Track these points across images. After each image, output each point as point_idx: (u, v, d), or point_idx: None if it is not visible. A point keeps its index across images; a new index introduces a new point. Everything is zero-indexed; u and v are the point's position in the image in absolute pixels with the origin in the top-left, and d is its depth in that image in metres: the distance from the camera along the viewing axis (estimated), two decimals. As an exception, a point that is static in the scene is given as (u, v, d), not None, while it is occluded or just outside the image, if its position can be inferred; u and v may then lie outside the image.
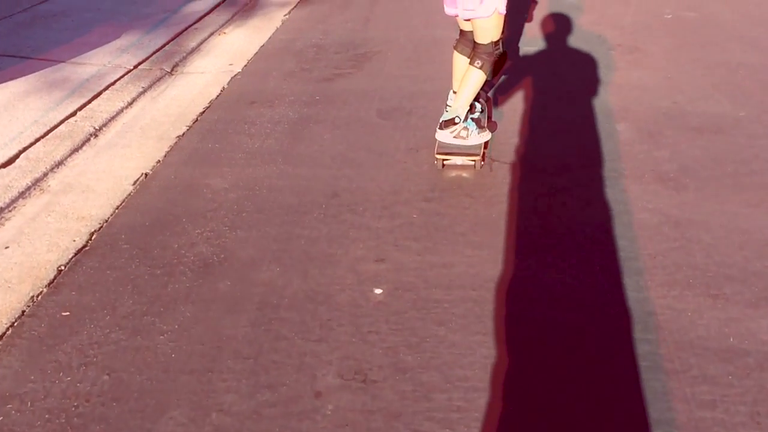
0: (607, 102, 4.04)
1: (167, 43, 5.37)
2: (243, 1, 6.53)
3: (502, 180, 3.30)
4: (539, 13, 5.67)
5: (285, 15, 6.10)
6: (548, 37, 5.19)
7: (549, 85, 4.33)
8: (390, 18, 5.90)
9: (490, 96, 3.73)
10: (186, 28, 5.70)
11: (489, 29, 3.06)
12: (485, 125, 3.44)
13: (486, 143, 3.43)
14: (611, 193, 3.12)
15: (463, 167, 3.42)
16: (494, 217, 3.00)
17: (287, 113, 4.13)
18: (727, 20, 5.35)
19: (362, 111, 4.13)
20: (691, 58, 4.65)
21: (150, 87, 4.64)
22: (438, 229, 2.94)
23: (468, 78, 3.20)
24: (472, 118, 3.36)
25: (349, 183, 3.34)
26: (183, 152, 3.71)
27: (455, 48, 3.41)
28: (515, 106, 4.06)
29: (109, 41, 5.31)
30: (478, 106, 3.45)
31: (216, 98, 4.41)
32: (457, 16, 3.18)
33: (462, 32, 3.35)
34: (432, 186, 3.28)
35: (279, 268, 2.74)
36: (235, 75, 4.78)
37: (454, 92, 3.42)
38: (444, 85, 4.36)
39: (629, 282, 2.56)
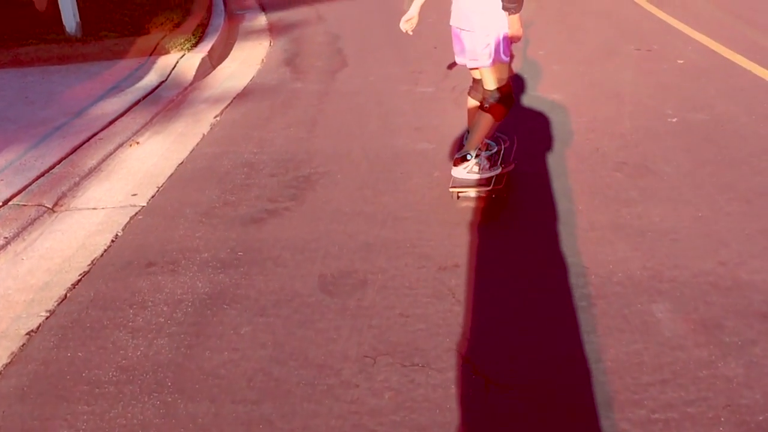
0: (630, 264, 2.89)
1: (58, 162, 4.11)
2: (168, 97, 5.32)
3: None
4: (521, 114, 4.58)
5: (216, 116, 4.90)
6: (533, 150, 4.07)
7: (542, 241, 3.18)
8: (341, 121, 4.74)
9: (507, 138, 3.66)
10: (88, 139, 4.45)
11: (494, 76, 3.26)
12: (498, 163, 3.48)
13: (504, 175, 3.49)
14: (679, 463, 1.92)
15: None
16: None
17: (195, 284, 2.88)
18: (745, 125, 4.32)
19: (299, 278, 2.90)
20: (719, 184, 3.56)
21: (17, 236, 3.35)
22: None
23: (479, 120, 3.38)
24: (485, 156, 3.44)
25: (270, 438, 2.08)
26: (26, 369, 2.41)
27: (469, 94, 3.57)
28: (499, 297, 2.89)
29: (-20, 163, 4.02)
30: (494, 145, 3.53)
31: (102, 255, 3.14)
32: (467, 65, 3.38)
33: (474, 80, 3.50)
34: (398, 441, 2.05)
35: None
36: (136, 213, 3.52)
37: (469, 132, 3.52)
38: (414, 227, 3.22)
39: None
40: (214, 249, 3.15)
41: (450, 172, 3.50)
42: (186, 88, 5.57)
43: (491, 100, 3.30)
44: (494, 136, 3.54)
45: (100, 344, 2.52)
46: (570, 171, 3.79)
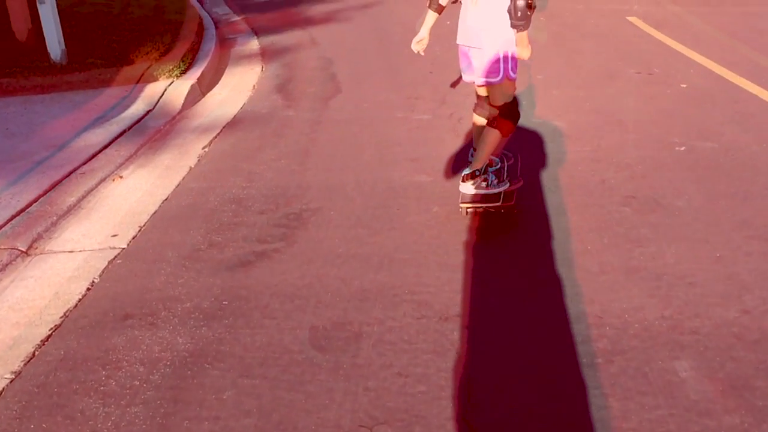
0: (647, 313, 2.66)
1: (35, 200, 3.87)
2: (155, 127, 5.10)
3: None
4: (523, 144, 4.37)
5: (204, 147, 4.68)
6: (537, 182, 3.86)
7: (552, 287, 2.95)
8: (335, 151, 4.52)
9: (512, 155, 3.69)
10: (69, 174, 4.21)
11: (502, 93, 3.31)
12: (505, 178, 3.48)
13: (513, 193, 3.47)
14: None
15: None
16: None
17: (174, 340, 2.63)
18: (757, 155, 4.11)
19: (288, 332, 2.66)
20: (735, 220, 3.35)
21: (-15, 284, 3.10)
22: None
23: (486, 136, 3.38)
24: (492, 171, 3.44)
25: None
26: (-17, 445, 2.16)
27: (474, 111, 3.56)
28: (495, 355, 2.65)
29: (-48, 202, 3.78)
30: (498, 161, 3.52)
31: (76, 306, 2.90)
32: (474, 82, 3.41)
33: (479, 97, 3.51)
34: None
35: None
36: (115, 257, 3.28)
37: (474, 149, 3.54)
38: (412, 270, 2.99)
39: None
40: (197, 297, 2.91)
41: (456, 192, 3.51)
42: (174, 117, 5.36)
43: (499, 116, 3.32)
44: (499, 152, 3.53)
45: (68, 413, 2.27)
46: (576, 206, 3.57)
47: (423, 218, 3.54)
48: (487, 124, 3.38)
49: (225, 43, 7.84)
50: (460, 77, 3.55)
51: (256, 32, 8.42)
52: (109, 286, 3.04)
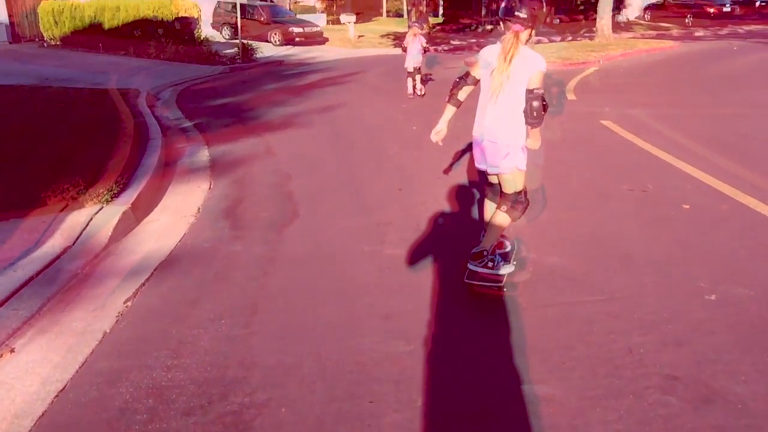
0: None
1: None
2: (71, 270, 4.10)
3: None
4: (520, 294, 3.50)
5: (126, 302, 3.68)
6: (549, 357, 2.96)
7: None
8: (289, 306, 3.57)
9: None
10: (-61, 351, 3.15)
11: (512, 182, 3.47)
12: (510, 260, 3.60)
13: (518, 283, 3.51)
14: None
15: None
16: None
17: None
18: (805, 306, 3.32)
19: None
20: (819, 417, 2.48)
21: None
22: None
23: (495, 220, 3.54)
24: (500, 253, 3.60)
25: None
26: None
27: (485, 196, 3.75)
28: None
29: None
30: (507, 243, 3.72)
31: None
32: (486, 170, 3.58)
33: (490, 183, 3.71)
34: None
35: None
36: (-36, 508, 2.21)
37: (485, 230, 3.61)
38: None
39: None
40: None
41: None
42: (97, 255, 4.37)
43: (509, 203, 3.50)
44: (510, 235, 3.71)
45: None
46: (605, 394, 2.67)
47: (405, 418, 2.59)
48: (497, 207, 3.53)
49: (171, 154, 6.98)
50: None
51: (208, 140, 7.63)
52: None
